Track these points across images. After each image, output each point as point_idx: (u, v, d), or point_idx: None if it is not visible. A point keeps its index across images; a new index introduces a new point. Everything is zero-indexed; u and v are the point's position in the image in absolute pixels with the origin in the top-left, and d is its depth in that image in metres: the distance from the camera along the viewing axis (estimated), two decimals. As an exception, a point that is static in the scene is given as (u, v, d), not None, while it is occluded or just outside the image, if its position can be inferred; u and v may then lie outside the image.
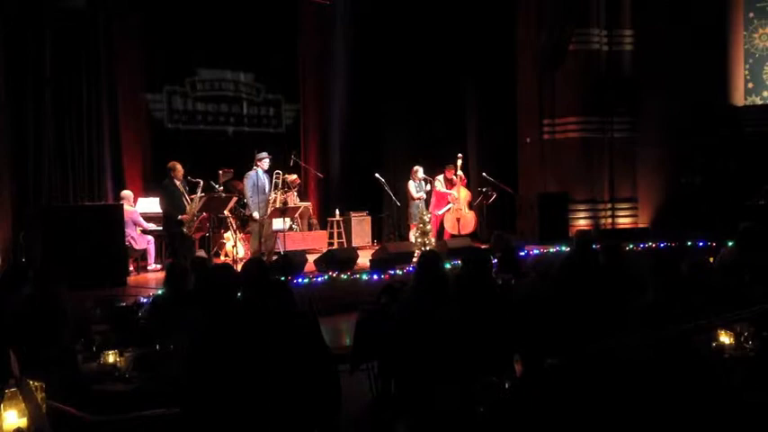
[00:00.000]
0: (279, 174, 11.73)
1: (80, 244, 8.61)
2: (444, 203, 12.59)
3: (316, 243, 12.41)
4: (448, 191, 12.55)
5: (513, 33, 13.59)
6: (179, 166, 10.00)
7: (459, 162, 12.47)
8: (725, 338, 4.00)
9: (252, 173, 10.44)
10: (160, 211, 10.26)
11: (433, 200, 12.49)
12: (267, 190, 10.56)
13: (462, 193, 12.54)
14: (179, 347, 4.19)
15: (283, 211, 10.94)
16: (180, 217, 9.76)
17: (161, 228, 10.36)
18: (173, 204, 9.83)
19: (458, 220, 12.51)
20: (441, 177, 12.54)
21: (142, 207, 11.04)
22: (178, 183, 9.95)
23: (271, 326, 3.84)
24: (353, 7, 13.98)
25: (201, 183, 10.05)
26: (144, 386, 3.91)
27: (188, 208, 9.85)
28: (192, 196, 9.97)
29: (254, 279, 4.71)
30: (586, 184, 13.35)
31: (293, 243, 11.26)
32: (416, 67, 13.49)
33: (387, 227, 13.52)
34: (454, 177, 12.52)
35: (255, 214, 10.36)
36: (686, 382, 3.41)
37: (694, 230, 11.32)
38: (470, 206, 12.68)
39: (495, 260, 6.02)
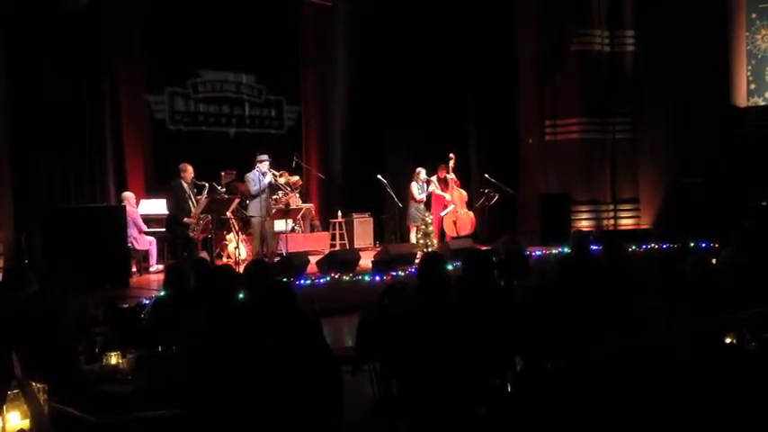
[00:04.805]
0: (273, 168, 10.98)
1: (82, 245, 8.61)
2: (441, 206, 12.53)
3: (318, 244, 12.39)
4: (443, 193, 12.49)
5: (515, 34, 13.58)
6: (189, 168, 9.99)
7: (452, 163, 12.38)
8: (727, 339, 4.00)
9: (253, 174, 10.44)
10: (165, 212, 10.27)
11: (432, 202, 12.44)
12: (265, 189, 10.51)
13: (456, 195, 12.47)
14: (181, 349, 4.20)
15: (286, 212, 10.93)
16: (185, 219, 9.76)
17: (162, 229, 10.36)
18: (178, 206, 9.84)
19: (454, 222, 12.46)
20: (434, 178, 12.40)
21: (145, 208, 11.03)
22: (186, 185, 9.94)
23: (273, 327, 3.84)
24: (354, 8, 13.98)
25: (207, 186, 10.03)
26: (146, 387, 3.91)
27: (193, 210, 9.85)
28: (199, 197, 9.98)
29: (256, 280, 4.71)
30: (588, 186, 13.34)
31: (295, 244, 11.25)
32: (417, 68, 13.45)
33: (389, 228, 13.47)
34: (448, 176, 12.45)
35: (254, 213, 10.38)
36: (688, 383, 3.41)
37: (696, 231, 11.29)
38: (467, 206, 12.59)
39: (499, 262, 6.01)
